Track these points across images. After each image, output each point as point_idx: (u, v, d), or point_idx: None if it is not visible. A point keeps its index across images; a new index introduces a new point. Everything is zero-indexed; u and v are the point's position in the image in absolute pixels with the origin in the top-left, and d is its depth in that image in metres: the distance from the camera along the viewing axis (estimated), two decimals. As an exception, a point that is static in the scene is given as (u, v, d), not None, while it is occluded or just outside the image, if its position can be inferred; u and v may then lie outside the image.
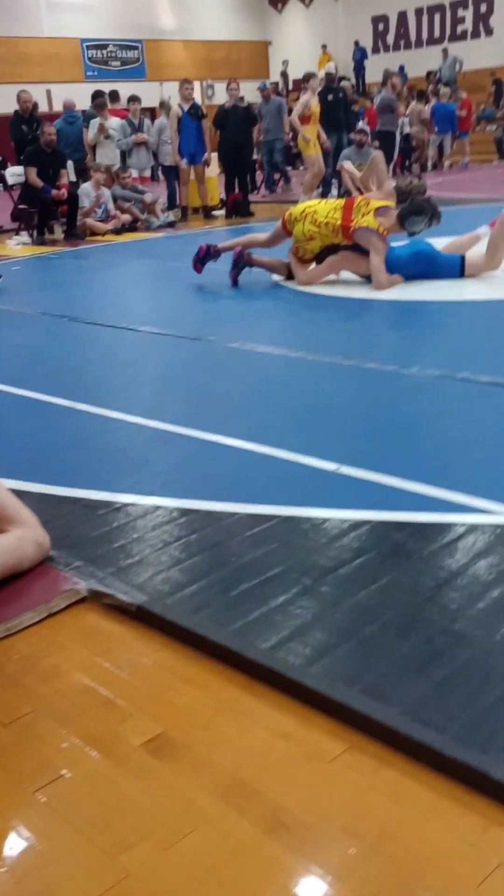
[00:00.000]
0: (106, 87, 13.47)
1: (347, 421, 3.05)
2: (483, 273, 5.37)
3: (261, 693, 1.60)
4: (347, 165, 8.84)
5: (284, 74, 24.20)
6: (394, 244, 5.49)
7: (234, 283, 5.81)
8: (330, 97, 11.35)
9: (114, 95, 12.04)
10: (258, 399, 3.39)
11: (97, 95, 10.36)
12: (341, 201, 5.58)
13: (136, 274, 7.20)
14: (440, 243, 5.62)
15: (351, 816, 1.31)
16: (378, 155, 6.00)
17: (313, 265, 5.70)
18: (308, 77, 10.58)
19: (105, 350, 4.43)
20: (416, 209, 5.34)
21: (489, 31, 21.05)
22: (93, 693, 1.65)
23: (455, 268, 5.35)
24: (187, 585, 1.97)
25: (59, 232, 9.76)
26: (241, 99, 10.49)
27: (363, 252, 5.40)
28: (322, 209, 5.50)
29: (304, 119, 10.34)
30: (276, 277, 6.04)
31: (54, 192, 9.02)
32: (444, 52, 20.12)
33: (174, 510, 2.38)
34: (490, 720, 1.46)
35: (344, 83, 12.82)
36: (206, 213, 10.76)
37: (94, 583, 2.00)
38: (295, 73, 23.07)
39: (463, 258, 5.37)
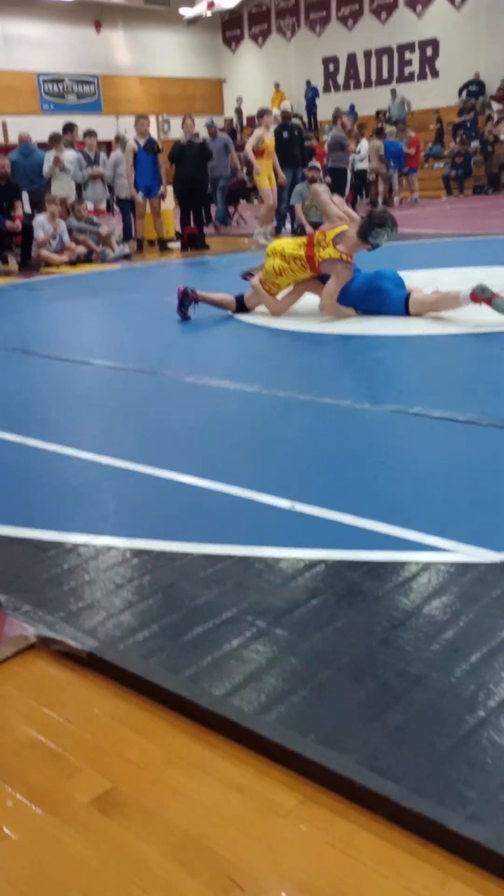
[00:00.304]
0: (62, 119, 13.51)
1: (302, 457, 3.04)
2: (427, 314, 5.44)
3: (214, 743, 1.56)
4: (298, 209, 9.15)
5: (239, 111, 24.65)
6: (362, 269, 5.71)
7: (185, 318, 5.88)
8: (285, 134, 11.56)
9: (70, 128, 12.09)
10: (213, 434, 3.38)
11: (66, 130, 10.44)
12: (304, 238, 5.80)
13: (90, 306, 7.17)
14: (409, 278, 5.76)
15: (306, 873, 1.27)
16: (316, 187, 6.16)
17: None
18: (262, 112, 10.77)
19: (58, 384, 4.37)
20: (377, 221, 5.55)
21: (435, 74, 21.78)
22: (40, 746, 1.59)
23: (401, 305, 5.46)
24: (139, 630, 1.92)
25: (13, 263, 9.69)
26: (197, 135, 10.62)
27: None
28: (289, 244, 5.74)
29: (258, 153, 10.50)
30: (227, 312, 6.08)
31: (8, 223, 8.97)
32: (393, 92, 20.75)
33: (126, 550, 2.33)
34: (447, 767, 1.44)
35: (294, 120, 13.08)
36: (162, 245, 10.81)
37: (43, 628, 1.94)
38: (249, 110, 23.54)
39: (408, 297, 5.47)
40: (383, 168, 16.52)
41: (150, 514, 2.59)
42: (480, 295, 5.02)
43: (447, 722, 1.56)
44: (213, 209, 13.91)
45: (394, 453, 3.03)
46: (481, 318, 5.26)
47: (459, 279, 6.86)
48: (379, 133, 17.01)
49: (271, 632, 1.88)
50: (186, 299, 5.87)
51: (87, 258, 9.68)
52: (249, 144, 10.39)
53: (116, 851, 1.33)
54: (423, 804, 1.35)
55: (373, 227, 5.54)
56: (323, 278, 5.66)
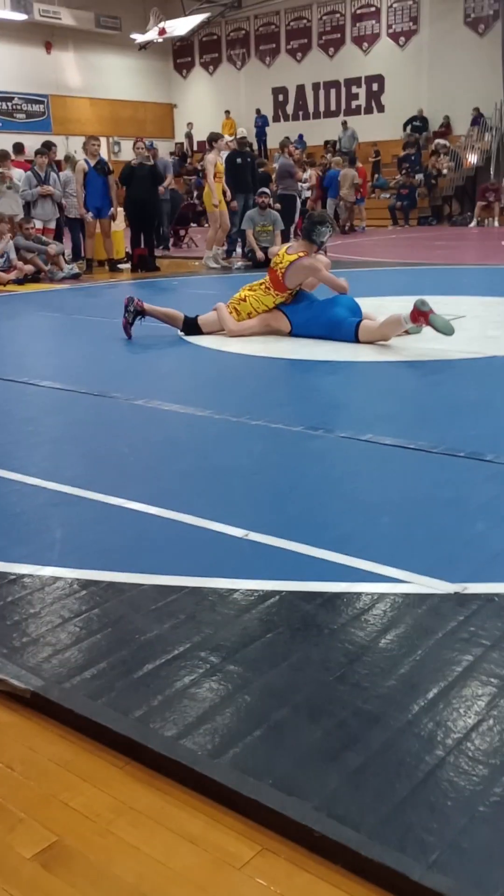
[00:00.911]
0: (10, 138, 13.38)
1: (255, 484, 3.00)
2: (375, 341, 5.48)
3: (165, 790, 1.48)
4: (248, 234, 9.52)
5: (189, 136, 24.79)
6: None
7: (129, 336, 5.89)
8: (239, 160, 11.64)
9: (18, 147, 11.97)
10: (163, 460, 3.31)
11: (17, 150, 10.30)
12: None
13: (37, 326, 7.03)
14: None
15: (264, 931, 1.21)
16: (316, 264, 5.89)
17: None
18: (216, 137, 10.83)
19: (1, 406, 4.24)
20: (317, 220, 5.85)
21: (381, 108, 22.34)
22: (-22, 796, 1.49)
23: (351, 332, 5.50)
24: (86, 667, 1.83)
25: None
26: (148, 157, 10.61)
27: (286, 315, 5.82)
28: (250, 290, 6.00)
29: (213, 176, 10.55)
30: (176, 331, 6.03)
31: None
32: (344, 124, 21.16)
33: (74, 582, 2.24)
34: (408, 811, 1.39)
35: (246, 148, 13.20)
36: (112, 266, 10.73)
37: (-18, 666, 1.84)
38: (199, 136, 23.71)
39: (359, 324, 5.51)
40: (352, 196, 17.03)
41: (99, 543, 2.50)
42: (420, 308, 5.11)
43: (405, 763, 1.52)
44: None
45: (346, 481, 3.01)
46: (429, 346, 5.33)
47: (406, 306, 6.97)
48: (352, 162, 17.50)
49: (225, 668, 1.81)
50: (131, 305, 5.86)
51: (36, 277, 9.53)
52: (209, 171, 10.44)
53: (60, 912, 1.24)
54: (384, 853, 1.30)
55: (314, 226, 5.80)
56: (290, 308, 5.86)
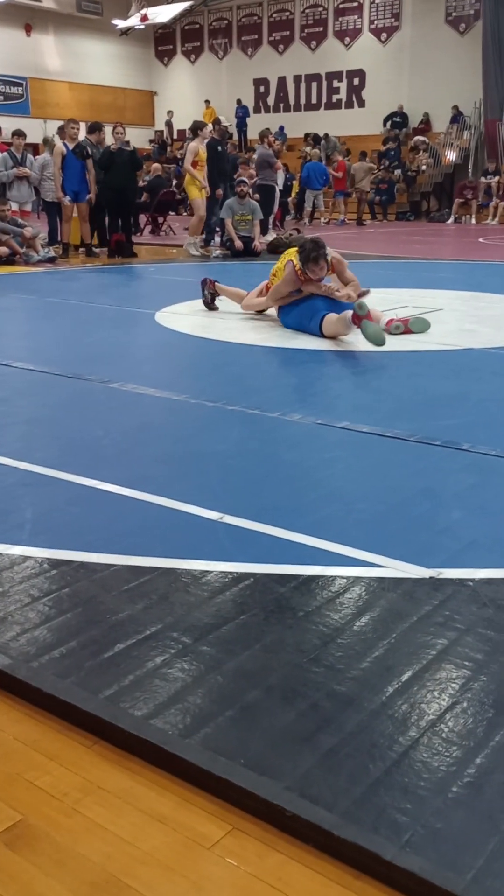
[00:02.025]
0: (-13, 119, 13.16)
1: (231, 468, 2.96)
2: (338, 336, 5.41)
3: (135, 770, 1.45)
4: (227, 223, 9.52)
5: (169, 124, 24.60)
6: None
7: (211, 307, 6.30)
8: (219, 148, 11.56)
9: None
10: (138, 443, 3.26)
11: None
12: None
13: (11, 308, 6.92)
14: None
15: (233, 911, 1.18)
16: (338, 256, 5.84)
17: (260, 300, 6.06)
18: (200, 126, 10.74)
19: (-26, 386, 4.16)
20: (311, 255, 5.45)
21: (361, 103, 22.35)
22: None
23: (316, 327, 5.44)
24: (56, 646, 1.79)
25: None
26: (127, 143, 10.50)
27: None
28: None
29: (193, 164, 10.48)
30: (154, 316, 5.97)
31: None
32: (326, 136, 20.90)
33: (44, 561, 2.19)
34: (381, 792, 1.38)
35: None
36: (88, 251, 10.61)
37: None
38: (179, 124, 23.54)
39: (322, 318, 5.43)
40: (366, 185, 17.75)
41: (71, 523, 2.45)
42: (358, 312, 4.95)
43: (378, 745, 1.50)
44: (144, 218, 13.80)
45: (323, 467, 2.99)
46: (407, 338, 5.33)
47: (382, 299, 6.97)
48: (363, 156, 18.03)
49: (197, 649, 1.78)
50: (205, 289, 6.26)
51: (10, 260, 9.38)
52: (188, 160, 10.35)
53: (24, 891, 1.21)
54: (357, 833, 1.28)
55: (307, 262, 5.51)
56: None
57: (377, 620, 1.93)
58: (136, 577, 2.09)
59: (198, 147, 10.38)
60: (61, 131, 10.76)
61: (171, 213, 14.97)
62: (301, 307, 5.56)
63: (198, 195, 10.55)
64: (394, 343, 5.21)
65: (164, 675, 1.69)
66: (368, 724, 1.55)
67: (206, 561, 2.19)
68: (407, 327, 5.36)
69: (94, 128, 10.90)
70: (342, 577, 2.13)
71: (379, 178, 19.19)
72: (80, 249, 10.67)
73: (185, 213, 16.95)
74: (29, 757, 1.48)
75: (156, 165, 15.85)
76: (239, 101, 23.30)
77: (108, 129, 10.79)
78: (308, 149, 17.59)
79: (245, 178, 10.55)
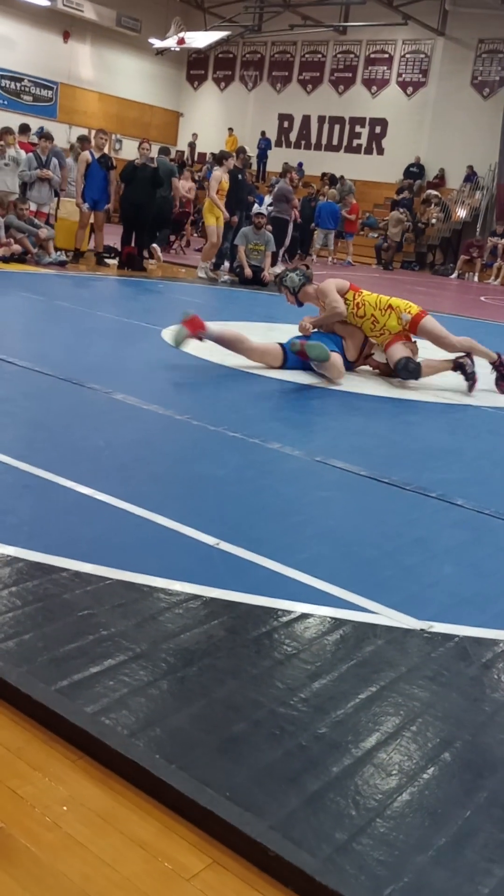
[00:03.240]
0: (16, 118, 13.24)
1: (229, 495, 2.96)
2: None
3: (118, 790, 1.43)
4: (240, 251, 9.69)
5: (192, 146, 24.87)
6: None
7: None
8: (240, 177, 11.71)
9: (23, 128, 11.86)
10: (138, 458, 3.25)
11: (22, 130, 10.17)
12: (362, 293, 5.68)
13: (20, 308, 6.91)
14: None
15: None
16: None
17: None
18: (226, 156, 10.92)
19: (-24, 380, 4.14)
20: (291, 269, 5.84)
21: (381, 151, 22.77)
22: None
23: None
24: (44, 653, 1.77)
25: None
26: (152, 160, 10.60)
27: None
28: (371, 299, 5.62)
29: (216, 192, 10.62)
30: (161, 334, 5.97)
31: None
32: (342, 178, 21.26)
33: (38, 566, 2.17)
34: (363, 842, 1.37)
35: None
36: (99, 259, 10.65)
37: None
38: (201, 147, 23.81)
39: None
40: (397, 235, 18.28)
41: (68, 530, 2.44)
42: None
43: (364, 792, 1.49)
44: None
45: (319, 505, 3.00)
46: (405, 385, 5.39)
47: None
48: (400, 204, 18.46)
49: (187, 673, 1.77)
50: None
51: (22, 258, 9.39)
52: (213, 188, 10.49)
53: (-2, 904, 1.18)
54: (339, 881, 1.27)
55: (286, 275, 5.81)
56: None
57: (366, 666, 1.93)
58: (130, 593, 2.08)
59: (221, 176, 10.51)
60: (82, 141, 10.84)
61: (179, 231, 15.08)
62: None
63: (213, 223, 10.65)
64: (393, 391, 5.26)
65: (151, 696, 1.68)
66: (353, 771, 1.55)
67: (200, 585, 2.18)
68: (303, 349, 5.16)
69: (46, 135, 10.73)
70: (333, 618, 2.13)
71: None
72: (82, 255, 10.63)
73: (195, 235, 17.06)
74: (13, 764, 1.45)
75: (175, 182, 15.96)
76: (263, 133, 23.64)
77: (130, 143, 10.87)
78: (325, 188, 17.83)
79: (263, 211, 10.68)
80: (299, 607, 2.16)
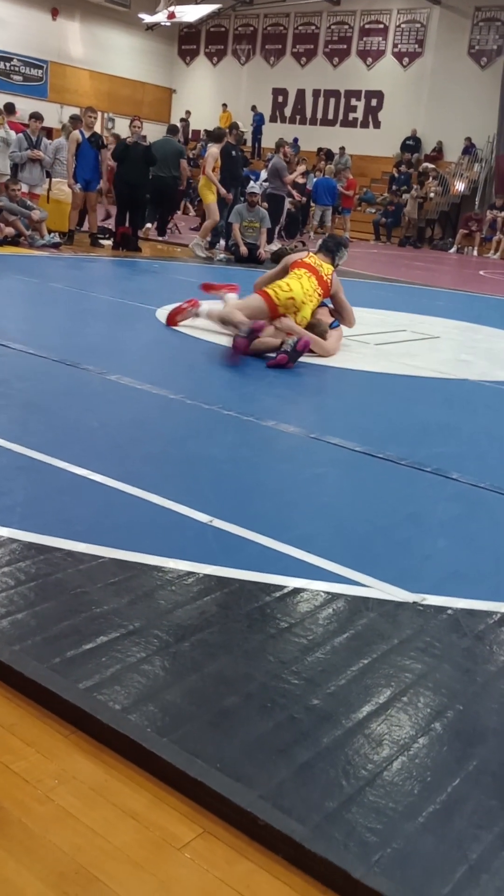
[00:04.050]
0: (6, 99, 13.11)
1: (224, 473, 2.97)
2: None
3: (111, 763, 1.45)
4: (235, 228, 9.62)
5: (185, 122, 24.61)
6: None
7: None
8: (234, 153, 11.60)
9: (9, 108, 11.72)
10: (132, 438, 3.26)
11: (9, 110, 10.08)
12: (299, 271, 5.44)
13: (13, 290, 6.88)
14: None
15: (200, 914, 1.18)
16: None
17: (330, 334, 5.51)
18: (223, 134, 10.81)
19: (-30, 363, 4.13)
20: (343, 241, 5.82)
21: (377, 124, 22.51)
22: None
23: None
24: (38, 632, 1.78)
25: None
26: (144, 137, 10.50)
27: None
28: (306, 283, 5.36)
29: (213, 170, 10.53)
30: (156, 313, 5.95)
31: None
32: (342, 150, 21.12)
33: (31, 546, 2.18)
34: (353, 810, 1.39)
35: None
36: (93, 240, 10.58)
37: None
38: (195, 125, 23.55)
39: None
40: (414, 213, 18.45)
41: (61, 510, 2.45)
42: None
43: (354, 762, 1.51)
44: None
45: (314, 481, 3.00)
46: (402, 361, 5.37)
47: (380, 321, 7.03)
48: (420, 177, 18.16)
49: (179, 649, 1.79)
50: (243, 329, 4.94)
51: (15, 241, 9.33)
52: (210, 165, 10.39)
53: (-9, 876, 1.20)
54: (327, 848, 1.29)
55: (340, 248, 5.73)
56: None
57: (358, 639, 1.94)
58: (123, 572, 2.09)
59: (218, 153, 10.41)
60: (74, 120, 10.72)
61: (176, 211, 14.97)
62: None
63: (212, 200, 10.57)
64: (391, 366, 5.25)
65: (144, 672, 1.69)
66: (344, 741, 1.56)
67: (194, 562, 2.19)
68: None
69: (36, 115, 10.37)
70: (326, 593, 2.14)
71: (387, 200, 19.34)
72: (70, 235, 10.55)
73: (191, 214, 16.95)
74: (5, 740, 1.47)
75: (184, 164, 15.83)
76: (254, 108, 23.35)
77: (122, 122, 10.77)
78: (323, 164, 17.67)
79: (256, 189, 10.58)
80: (292, 582, 2.17)
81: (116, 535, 2.30)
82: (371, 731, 1.61)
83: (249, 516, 2.55)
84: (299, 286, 5.32)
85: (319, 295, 5.44)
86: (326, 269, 5.53)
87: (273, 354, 4.88)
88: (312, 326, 5.38)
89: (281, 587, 2.14)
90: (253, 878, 1.26)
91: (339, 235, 6.09)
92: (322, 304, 5.57)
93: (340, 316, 5.73)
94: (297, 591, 2.13)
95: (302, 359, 4.98)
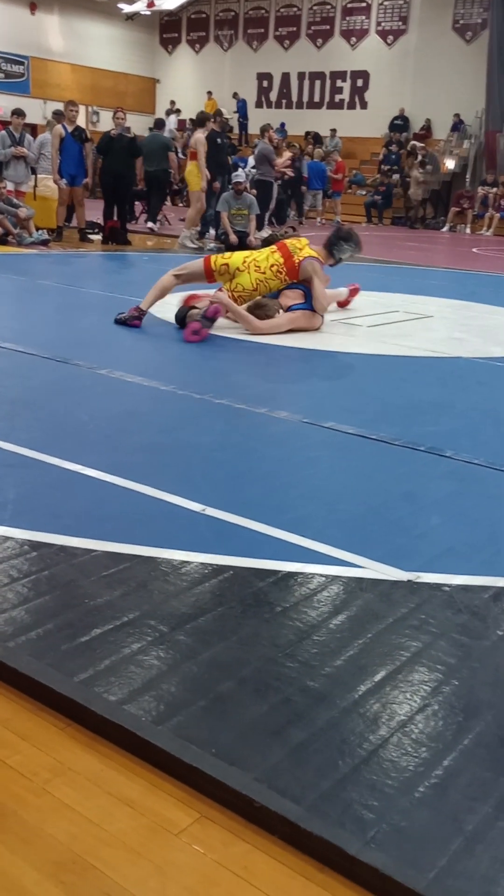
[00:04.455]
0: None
1: (214, 461, 2.97)
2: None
3: (106, 753, 1.46)
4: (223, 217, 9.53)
5: (170, 113, 24.45)
6: None
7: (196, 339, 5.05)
8: (219, 140, 11.53)
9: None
10: (123, 431, 3.26)
11: None
12: (272, 247, 5.60)
13: (1, 289, 6.87)
14: None
15: (197, 897, 1.19)
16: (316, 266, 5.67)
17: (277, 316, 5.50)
18: (207, 118, 10.73)
19: (-40, 364, 4.13)
20: (344, 235, 5.62)
21: (364, 105, 22.36)
22: None
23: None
24: (33, 628, 1.79)
25: None
26: (128, 129, 10.43)
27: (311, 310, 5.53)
28: (260, 256, 5.50)
29: (193, 155, 10.45)
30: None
31: None
32: (333, 132, 21.02)
33: (24, 543, 2.19)
34: (348, 788, 1.39)
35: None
36: (82, 235, 10.55)
37: None
38: (181, 114, 23.41)
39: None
40: (419, 195, 18.25)
41: (53, 506, 2.45)
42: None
43: (349, 741, 1.52)
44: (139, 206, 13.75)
45: (306, 465, 3.00)
46: (396, 342, 5.36)
47: (374, 302, 7.01)
48: (422, 163, 18.07)
49: (173, 638, 1.79)
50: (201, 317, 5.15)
51: (3, 240, 9.31)
52: (200, 151, 10.32)
53: (-11, 869, 1.21)
54: (323, 827, 1.30)
55: (339, 240, 5.63)
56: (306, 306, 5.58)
57: (353, 619, 1.94)
58: (116, 564, 2.10)
59: (204, 139, 10.34)
60: (58, 116, 10.66)
61: (165, 202, 14.90)
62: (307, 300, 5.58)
63: (198, 187, 10.51)
64: (384, 347, 5.24)
65: (139, 662, 1.70)
66: (339, 721, 1.57)
67: (186, 551, 2.20)
68: None
69: (18, 112, 10.14)
70: (320, 575, 2.14)
71: (377, 181, 19.23)
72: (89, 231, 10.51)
73: (181, 205, 16.87)
74: (0, 735, 1.48)
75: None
76: (236, 95, 23.15)
77: (107, 114, 10.71)
78: (311, 147, 17.57)
79: (241, 177, 10.52)
80: (286, 566, 2.17)
81: (108, 528, 2.30)
82: (366, 709, 1.61)
83: (242, 503, 2.55)
84: (241, 257, 5.45)
85: (278, 274, 5.46)
86: (304, 252, 5.50)
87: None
88: (260, 306, 5.45)
89: (275, 572, 2.14)
90: (250, 858, 1.27)
91: (345, 229, 5.87)
92: (295, 287, 5.57)
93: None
94: (290, 574, 2.14)
95: (295, 343, 4.97)
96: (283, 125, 21.40)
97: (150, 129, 12.11)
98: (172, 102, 24.44)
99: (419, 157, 18.87)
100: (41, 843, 1.25)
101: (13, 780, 1.38)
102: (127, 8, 21.97)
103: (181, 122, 21.97)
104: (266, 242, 7.35)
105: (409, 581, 2.15)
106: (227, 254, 5.56)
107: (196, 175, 10.52)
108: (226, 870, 1.24)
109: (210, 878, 1.23)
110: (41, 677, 1.60)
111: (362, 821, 1.33)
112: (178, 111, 22.22)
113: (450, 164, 19.73)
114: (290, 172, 13.91)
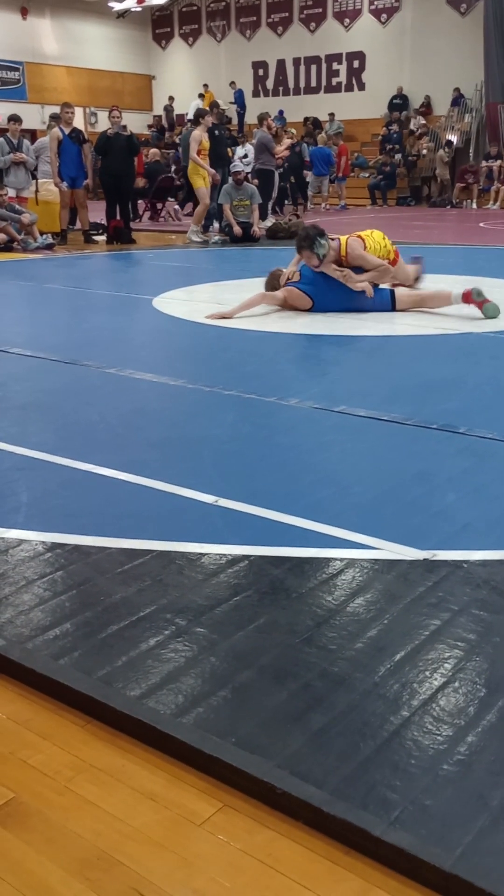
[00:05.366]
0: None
1: (226, 452, 2.96)
2: (413, 309, 5.64)
3: (126, 748, 1.46)
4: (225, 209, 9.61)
5: (168, 109, 24.40)
6: None
7: None
8: (217, 132, 11.49)
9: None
10: (134, 428, 3.26)
11: None
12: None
13: (8, 295, 6.90)
14: None
15: (222, 887, 1.19)
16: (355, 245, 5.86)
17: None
18: (203, 114, 10.69)
19: (-29, 372, 4.15)
20: (315, 233, 5.64)
21: (361, 86, 22.15)
22: None
23: (387, 301, 5.64)
24: (50, 628, 1.80)
25: None
26: (124, 127, 10.41)
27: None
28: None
29: (198, 153, 10.43)
30: (151, 302, 5.93)
31: None
32: (331, 116, 20.89)
33: (39, 544, 2.20)
34: (371, 770, 1.38)
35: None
36: (87, 237, 10.57)
37: None
38: (178, 109, 23.36)
39: (393, 292, 5.70)
40: (446, 174, 18.19)
41: (66, 507, 2.46)
42: (476, 298, 5.36)
43: (370, 724, 1.51)
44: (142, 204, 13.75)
45: (318, 451, 2.99)
46: (404, 321, 5.31)
47: (458, 286, 6.93)
48: (448, 144, 18.03)
49: (191, 630, 1.79)
50: None
51: (8, 247, 9.35)
52: (193, 149, 10.29)
53: (15, 869, 1.22)
54: (346, 810, 1.29)
55: (312, 240, 5.60)
56: (307, 286, 5.73)
57: (371, 601, 1.93)
58: (131, 560, 2.10)
59: (201, 136, 10.29)
60: (55, 119, 10.66)
61: (169, 199, 14.89)
62: (341, 286, 5.60)
63: (202, 184, 10.47)
64: (393, 328, 5.20)
65: (157, 656, 1.70)
66: (360, 704, 1.56)
67: (201, 543, 2.19)
68: (481, 309, 5.45)
69: (15, 118, 10.25)
70: (336, 559, 2.13)
71: (380, 162, 19.07)
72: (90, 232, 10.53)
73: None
74: (22, 736, 1.49)
75: (154, 150, 15.77)
76: (233, 84, 23.02)
77: (105, 115, 10.70)
78: (316, 131, 17.45)
79: (240, 167, 10.47)
80: (301, 553, 2.16)
81: (122, 525, 2.30)
82: (387, 690, 1.60)
83: (255, 492, 2.54)
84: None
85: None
86: (340, 247, 5.65)
87: None
88: (275, 277, 5.78)
89: (290, 559, 2.13)
90: (275, 845, 1.26)
91: (311, 227, 5.89)
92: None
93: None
94: (306, 560, 2.12)
95: (302, 330, 4.95)
96: (281, 112, 21.30)
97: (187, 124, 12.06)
98: (171, 98, 24.39)
99: (435, 139, 18.77)
100: (66, 841, 1.26)
101: (36, 779, 1.38)
102: (117, 6, 21.92)
103: (179, 118, 21.91)
104: (270, 232, 7.32)
105: (426, 560, 2.13)
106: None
107: (198, 172, 10.48)
108: (251, 858, 1.24)
109: (236, 867, 1.22)
110: (60, 677, 1.60)
111: (386, 802, 1.32)
112: (201, 96, 22.08)
113: (452, 139, 19.50)
114: (285, 153, 13.80)
